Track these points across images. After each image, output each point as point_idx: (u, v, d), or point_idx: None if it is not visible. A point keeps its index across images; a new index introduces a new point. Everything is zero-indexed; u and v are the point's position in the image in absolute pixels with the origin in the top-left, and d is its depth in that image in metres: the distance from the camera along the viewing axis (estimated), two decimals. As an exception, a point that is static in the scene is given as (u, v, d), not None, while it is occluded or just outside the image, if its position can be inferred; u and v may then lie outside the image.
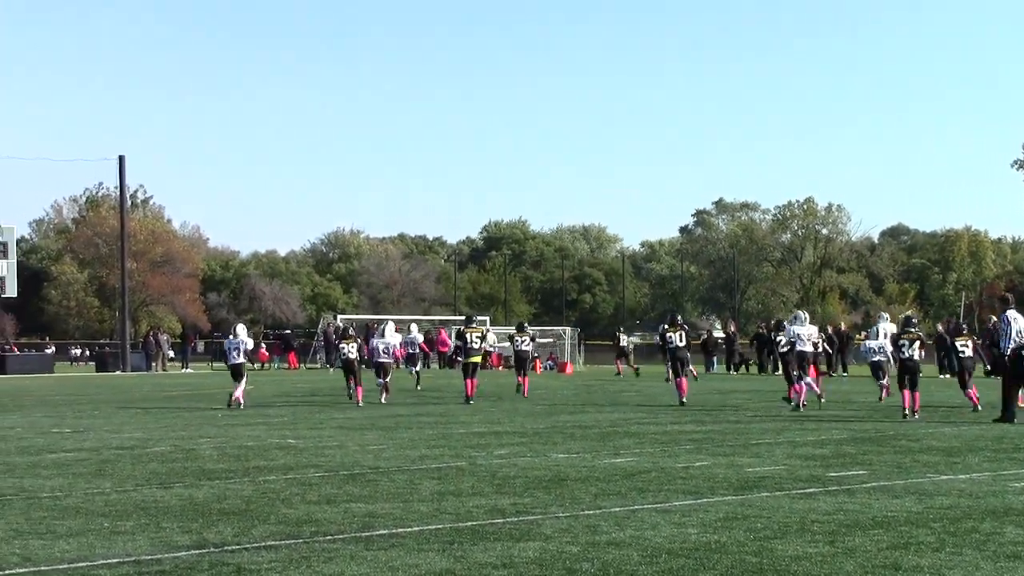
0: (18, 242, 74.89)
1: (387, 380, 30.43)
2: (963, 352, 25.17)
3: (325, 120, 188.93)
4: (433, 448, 17.64)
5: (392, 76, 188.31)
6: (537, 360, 55.49)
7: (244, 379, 28.42)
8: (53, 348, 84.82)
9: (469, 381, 29.65)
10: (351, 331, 33.32)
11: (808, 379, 25.82)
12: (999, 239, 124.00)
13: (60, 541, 9.89)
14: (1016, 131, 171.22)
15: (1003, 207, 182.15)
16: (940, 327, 45.65)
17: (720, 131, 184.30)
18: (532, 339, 37.02)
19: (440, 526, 10.45)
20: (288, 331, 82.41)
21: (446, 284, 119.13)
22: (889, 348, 29.82)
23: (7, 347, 73.51)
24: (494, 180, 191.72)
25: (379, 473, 14.48)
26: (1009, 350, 22.01)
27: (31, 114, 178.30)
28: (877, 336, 29.56)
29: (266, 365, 63.55)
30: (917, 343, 23.63)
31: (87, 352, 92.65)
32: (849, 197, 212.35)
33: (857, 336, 54.59)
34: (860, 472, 14.20)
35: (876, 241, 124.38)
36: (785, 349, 26.62)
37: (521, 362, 34.21)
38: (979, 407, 24.30)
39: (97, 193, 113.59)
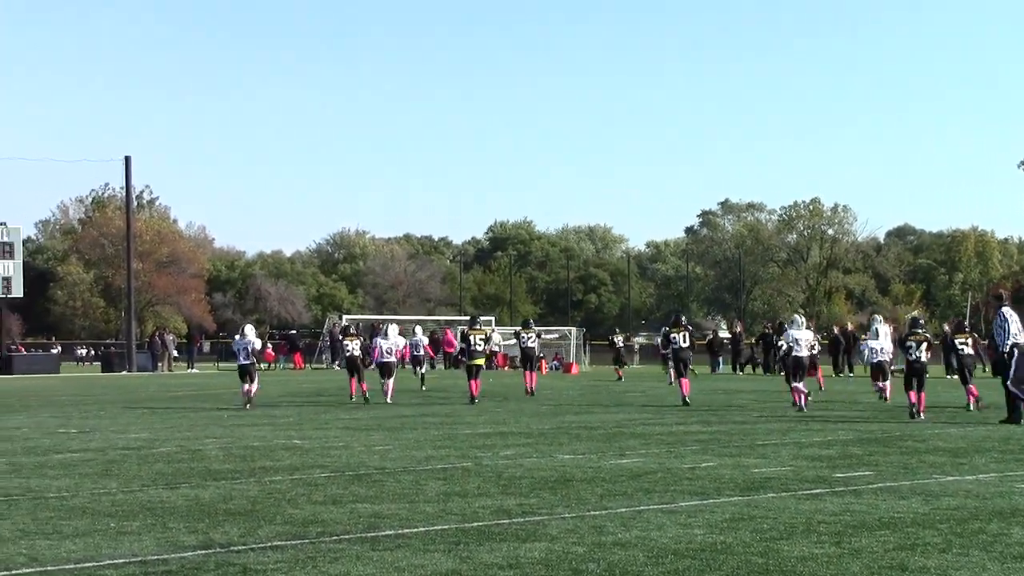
0: (24, 242, 74.99)
1: (390, 379, 30.49)
2: (962, 350, 25.13)
3: (331, 120, 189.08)
4: (439, 449, 17.64)
5: (397, 76, 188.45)
6: (543, 360, 55.47)
7: (256, 379, 28.46)
8: (59, 348, 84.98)
9: (473, 382, 29.66)
10: (353, 329, 33.40)
11: (799, 385, 25.65)
12: (1006, 239, 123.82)
13: (66, 541, 9.89)
14: (1023, 131, 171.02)
15: (1010, 207, 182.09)
16: (947, 327, 45.64)
17: (726, 131, 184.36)
18: (538, 335, 37.01)
19: (446, 527, 10.45)
20: (294, 331, 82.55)
21: (451, 284, 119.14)
22: (890, 348, 29.90)
23: (13, 347, 73.61)
24: (499, 180, 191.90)
25: (385, 474, 14.48)
26: (1008, 347, 21.98)
27: (37, 115, 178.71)
28: (877, 336, 29.55)
29: (272, 365, 63.60)
30: (924, 344, 23.58)
31: (91, 352, 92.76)
32: (855, 197, 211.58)
33: (862, 337, 54.54)
34: (866, 473, 14.18)
35: (882, 241, 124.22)
36: (783, 353, 26.63)
37: (528, 359, 34.21)
38: (970, 407, 24.34)
39: (103, 194, 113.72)
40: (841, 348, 48.71)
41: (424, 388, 36.65)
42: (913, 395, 23.17)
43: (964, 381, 25.04)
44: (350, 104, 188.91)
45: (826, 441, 18.40)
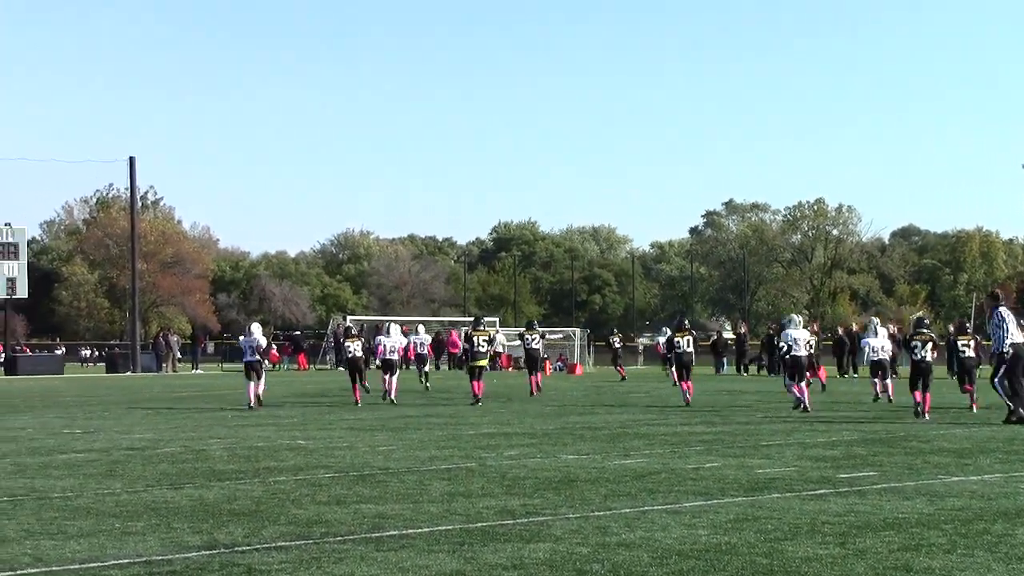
0: (29, 243, 75.10)
1: (394, 378, 30.53)
2: (963, 352, 25.11)
3: (335, 121, 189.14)
4: (443, 449, 17.65)
5: (401, 77, 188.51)
6: (547, 361, 55.49)
7: (263, 378, 28.54)
8: (63, 349, 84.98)
9: (476, 383, 29.62)
10: (355, 330, 33.44)
11: (800, 385, 25.70)
12: (1010, 240, 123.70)
13: (71, 542, 9.90)
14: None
15: (1014, 207, 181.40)
16: (952, 328, 45.61)
17: (730, 132, 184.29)
18: (542, 336, 37.02)
19: (450, 527, 10.45)
20: (298, 332, 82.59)
21: (456, 285, 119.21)
22: (890, 347, 30.02)
23: (18, 348, 73.69)
24: (504, 181, 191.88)
25: (389, 474, 14.49)
26: (1007, 346, 22.00)
27: (42, 115, 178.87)
28: (877, 335, 29.68)
29: (276, 366, 63.67)
30: (929, 344, 23.58)
31: (95, 353, 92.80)
32: (860, 198, 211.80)
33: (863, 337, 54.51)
34: (871, 473, 14.17)
35: (887, 242, 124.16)
36: (782, 354, 26.66)
37: (532, 361, 34.16)
38: (974, 409, 24.37)
39: (107, 194, 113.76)
40: (846, 349, 48.70)
41: (427, 386, 36.67)
42: (918, 395, 23.18)
43: (961, 382, 25.04)
44: (355, 105, 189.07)
45: (830, 442, 18.39)
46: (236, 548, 9.56)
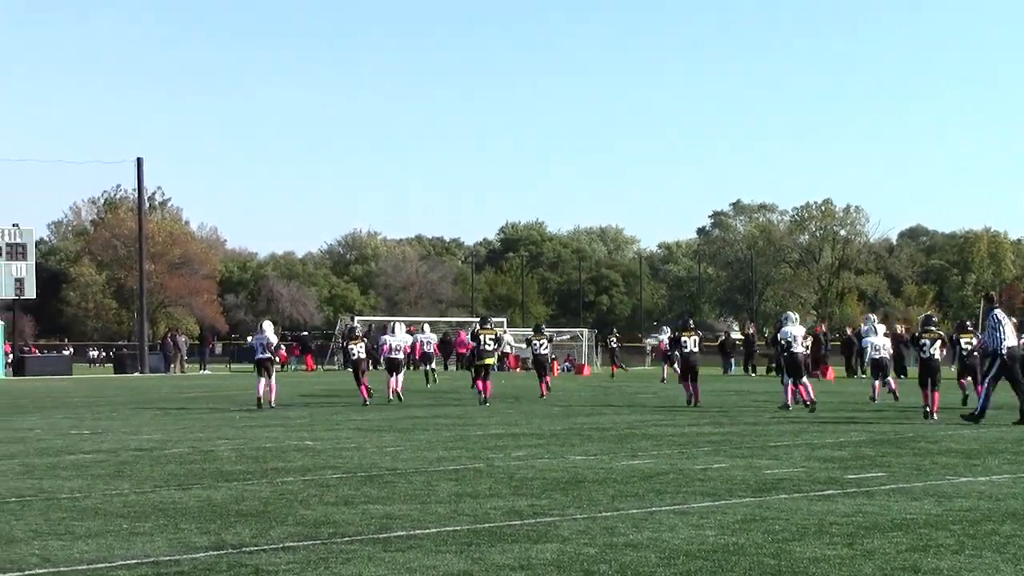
0: (37, 244, 75.19)
1: (399, 377, 30.58)
2: (966, 350, 25.07)
3: (343, 122, 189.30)
4: (451, 450, 17.64)
5: (409, 78, 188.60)
6: (555, 362, 55.50)
7: (273, 376, 28.61)
8: (71, 350, 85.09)
9: (483, 383, 29.58)
10: (358, 331, 33.47)
11: (796, 382, 25.81)
12: (1019, 240, 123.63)
13: (79, 542, 9.91)
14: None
15: (1022, 208, 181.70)
16: (953, 327, 45.57)
17: (738, 132, 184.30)
18: (549, 340, 37.03)
19: (458, 528, 10.44)
20: (305, 333, 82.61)
21: (463, 286, 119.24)
22: (890, 345, 30.16)
23: (26, 349, 73.78)
24: (511, 182, 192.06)
25: (397, 474, 14.48)
26: (1005, 349, 22.03)
27: (49, 117, 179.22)
28: (877, 334, 29.78)
29: (285, 367, 63.71)
30: (938, 342, 23.57)
31: (103, 354, 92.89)
32: (867, 198, 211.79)
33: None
34: (879, 474, 14.15)
35: (894, 242, 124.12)
36: (781, 351, 26.73)
37: (540, 366, 34.16)
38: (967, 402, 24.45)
39: (115, 195, 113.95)
40: (854, 349, 48.57)
41: (430, 385, 36.73)
42: (928, 394, 23.15)
43: (960, 376, 25.09)
44: (363, 105, 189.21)
45: (838, 442, 18.37)
46: (244, 549, 9.56)
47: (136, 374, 60.57)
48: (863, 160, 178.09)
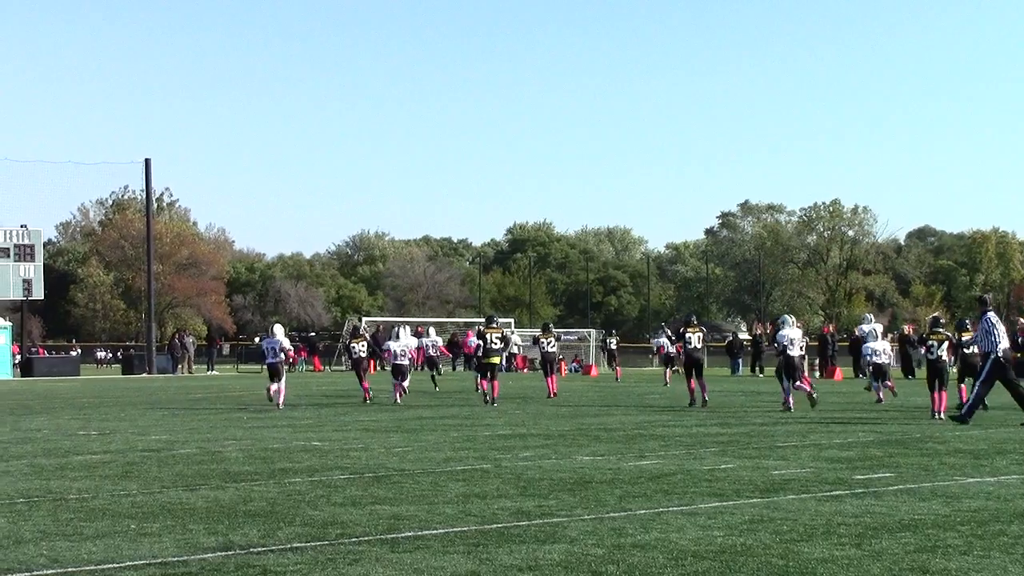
0: (45, 245, 75.24)
1: (404, 382, 30.60)
2: (968, 349, 25.11)
3: (350, 123, 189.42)
4: (458, 450, 17.64)
5: (418, 79, 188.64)
6: (562, 362, 55.52)
7: (283, 378, 28.67)
8: (79, 351, 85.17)
9: (488, 382, 29.55)
10: (361, 330, 33.49)
11: (793, 384, 25.95)
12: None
13: (87, 543, 9.91)
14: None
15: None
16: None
17: (746, 133, 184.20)
18: (557, 339, 37.07)
19: (465, 528, 10.44)
20: (313, 334, 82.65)
21: (471, 286, 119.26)
22: (890, 348, 30.24)
23: (34, 350, 73.87)
24: (519, 182, 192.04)
25: (404, 475, 14.49)
26: (1000, 351, 22.06)
27: (57, 118, 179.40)
28: (878, 337, 29.90)
29: (292, 368, 63.75)
30: (945, 344, 23.56)
31: (110, 355, 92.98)
32: (875, 199, 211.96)
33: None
34: (887, 475, 14.14)
35: (902, 243, 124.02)
36: (778, 354, 26.93)
37: (548, 364, 34.23)
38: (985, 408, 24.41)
39: (123, 196, 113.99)
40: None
41: (436, 389, 36.76)
42: (936, 396, 23.16)
43: (960, 380, 25.10)
44: (370, 107, 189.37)
45: (846, 443, 18.35)
46: (251, 549, 9.57)
47: (144, 375, 60.61)
48: (871, 161, 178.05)
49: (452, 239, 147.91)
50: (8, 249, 61.56)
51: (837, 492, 12.59)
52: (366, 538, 10.01)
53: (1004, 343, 22.30)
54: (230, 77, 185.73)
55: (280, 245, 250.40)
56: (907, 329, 44.11)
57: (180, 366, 62.95)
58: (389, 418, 24.99)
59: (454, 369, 61.15)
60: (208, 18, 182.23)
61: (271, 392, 28.16)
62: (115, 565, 8.98)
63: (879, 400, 29.02)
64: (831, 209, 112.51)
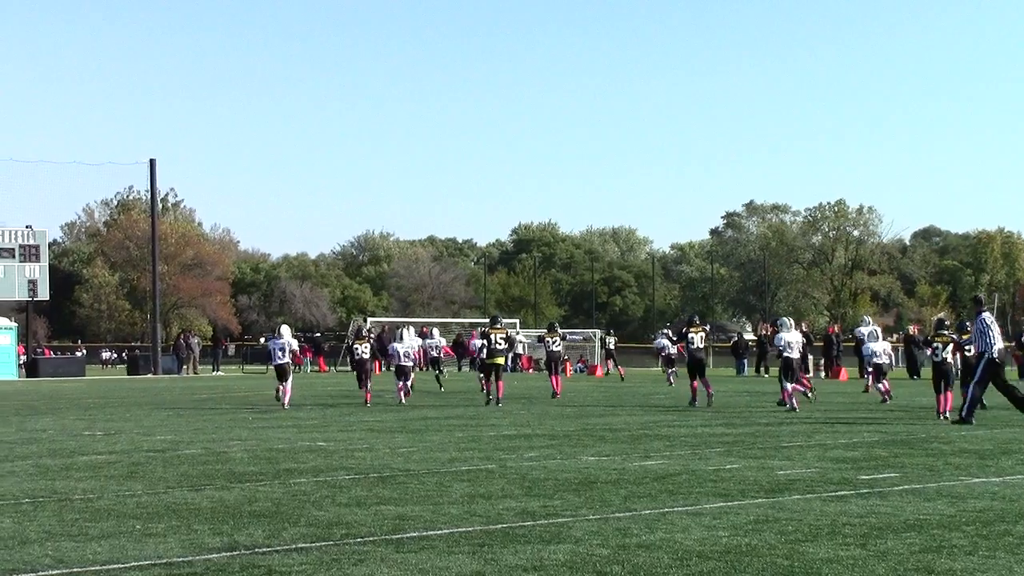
0: (50, 245, 75.37)
1: (407, 383, 30.61)
2: (970, 350, 25.11)
3: (355, 124, 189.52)
4: (463, 451, 17.64)
5: (422, 80, 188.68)
6: (567, 362, 55.49)
7: (290, 379, 28.74)
8: (84, 351, 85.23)
9: (493, 383, 29.53)
10: (364, 331, 33.49)
11: (795, 386, 26.19)
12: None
13: (92, 543, 9.92)
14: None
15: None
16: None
17: (750, 133, 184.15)
18: (563, 339, 37.10)
19: (470, 528, 10.45)
20: (318, 334, 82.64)
21: (476, 287, 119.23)
22: (890, 349, 30.44)
23: (39, 350, 73.94)
24: (524, 183, 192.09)
25: (409, 475, 14.49)
26: (995, 351, 22.07)
27: (63, 118, 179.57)
28: (878, 338, 30.12)
29: (299, 368, 63.75)
30: (951, 345, 23.56)
31: (115, 355, 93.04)
32: (880, 199, 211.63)
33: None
34: (892, 475, 14.13)
35: (908, 243, 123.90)
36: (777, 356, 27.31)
37: (553, 363, 34.26)
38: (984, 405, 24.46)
39: (128, 196, 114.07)
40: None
41: (442, 389, 36.80)
42: (941, 397, 23.17)
43: (963, 383, 25.08)
44: (375, 107, 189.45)
45: (851, 443, 18.35)
46: (256, 550, 9.57)
47: (149, 375, 60.64)
48: (876, 161, 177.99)
49: (457, 239, 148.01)
50: (13, 250, 61.61)
51: (842, 492, 12.59)
52: (371, 538, 10.01)
53: (999, 344, 22.29)
54: (235, 77, 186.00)
55: (285, 245, 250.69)
56: (912, 330, 44.05)
57: (185, 367, 62.97)
58: (394, 418, 24.99)
59: (459, 370, 61.14)
60: (213, 18, 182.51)
61: (280, 392, 28.22)
62: (120, 565, 8.99)
63: (885, 400, 28.99)
64: (836, 209, 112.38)
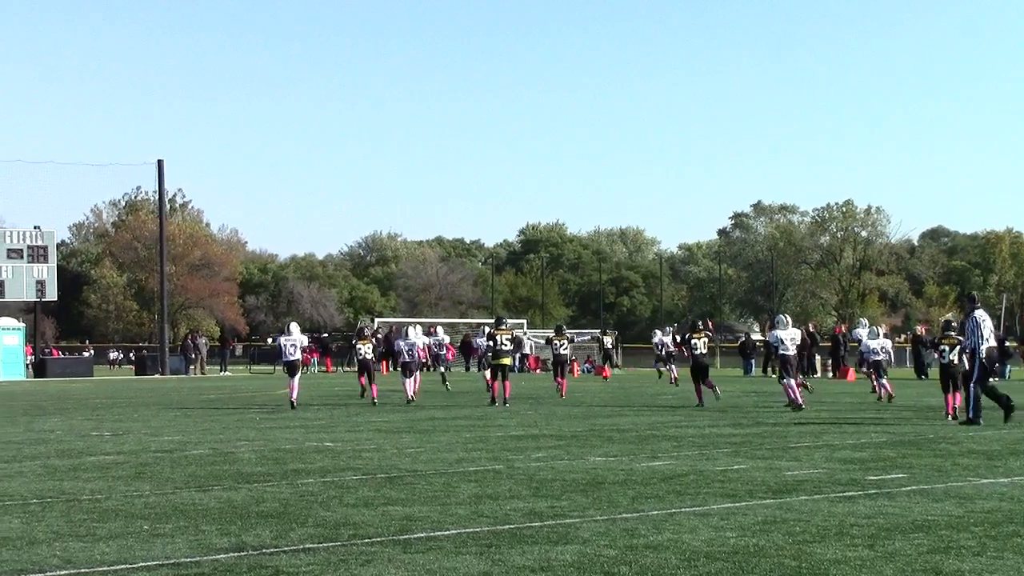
0: (58, 246, 75.41)
1: (412, 380, 30.65)
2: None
3: (363, 124, 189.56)
4: (470, 451, 17.64)
5: (430, 80, 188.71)
6: (575, 363, 55.49)
7: (297, 377, 28.84)
8: (92, 352, 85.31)
9: (501, 383, 29.53)
10: (367, 331, 33.49)
11: (790, 381, 26.26)
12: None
13: (100, 543, 9.93)
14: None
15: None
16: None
17: (758, 133, 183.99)
18: (570, 341, 37.15)
19: (478, 529, 10.45)
20: (325, 335, 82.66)
21: (483, 287, 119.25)
22: (889, 346, 30.61)
23: (47, 351, 74.02)
24: (531, 183, 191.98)
25: (416, 476, 14.49)
26: (983, 351, 22.07)
27: (70, 119, 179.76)
28: (877, 336, 30.27)
29: (307, 368, 63.77)
30: (957, 348, 23.53)
31: (123, 356, 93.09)
32: (888, 199, 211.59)
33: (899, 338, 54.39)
34: (900, 475, 14.11)
35: (916, 243, 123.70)
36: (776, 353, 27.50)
37: (559, 365, 34.30)
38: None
39: (136, 197, 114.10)
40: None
41: (448, 389, 36.83)
42: (950, 398, 23.16)
43: (965, 384, 25.07)
44: (383, 108, 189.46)
45: (859, 443, 18.33)
46: (264, 550, 9.58)
47: (157, 376, 60.71)
48: (884, 161, 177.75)
49: (464, 240, 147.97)
50: (22, 250, 61.71)
51: (850, 493, 12.57)
52: (378, 539, 10.01)
53: (990, 342, 22.32)
54: (243, 78, 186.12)
55: (293, 246, 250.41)
56: (920, 330, 44.02)
57: (193, 367, 63.05)
58: (401, 419, 25.00)
59: (467, 370, 61.14)
60: (221, 19, 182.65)
61: (293, 396, 28.28)
62: (128, 566, 9.00)
63: (889, 399, 28.99)
64: (844, 210, 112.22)
